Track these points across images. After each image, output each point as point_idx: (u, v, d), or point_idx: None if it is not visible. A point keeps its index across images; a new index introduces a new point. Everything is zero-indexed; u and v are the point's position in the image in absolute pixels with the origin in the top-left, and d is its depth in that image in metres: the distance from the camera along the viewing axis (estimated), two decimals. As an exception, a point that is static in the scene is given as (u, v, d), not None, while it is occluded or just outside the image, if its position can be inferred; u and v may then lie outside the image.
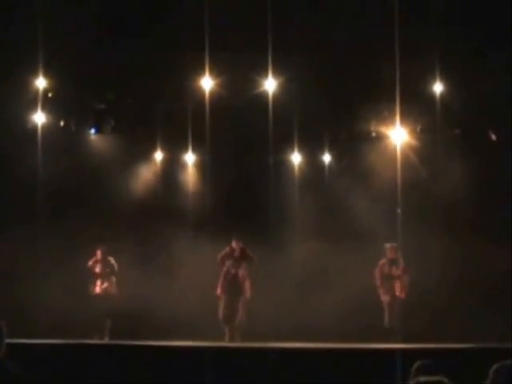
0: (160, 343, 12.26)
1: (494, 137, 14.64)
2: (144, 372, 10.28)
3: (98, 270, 14.75)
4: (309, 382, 9.87)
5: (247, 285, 14.30)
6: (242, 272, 14.34)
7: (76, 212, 14.96)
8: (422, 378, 3.98)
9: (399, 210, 13.85)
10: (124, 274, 14.77)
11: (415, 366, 5.95)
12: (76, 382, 10.20)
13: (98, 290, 14.75)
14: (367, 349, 11.25)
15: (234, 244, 14.41)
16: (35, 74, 14.30)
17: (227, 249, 14.42)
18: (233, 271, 14.34)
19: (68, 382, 10.15)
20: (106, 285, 14.72)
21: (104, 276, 14.75)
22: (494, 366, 5.17)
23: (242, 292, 14.26)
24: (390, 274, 14.36)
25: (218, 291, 14.35)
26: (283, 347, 11.66)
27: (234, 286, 14.27)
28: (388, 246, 14.40)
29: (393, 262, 14.39)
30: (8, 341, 5.28)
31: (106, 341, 14.09)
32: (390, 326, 14.12)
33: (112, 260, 14.77)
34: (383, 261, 14.46)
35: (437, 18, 13.20)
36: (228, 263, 14.40)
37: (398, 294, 14.25)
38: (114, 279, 14.79)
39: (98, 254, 14.78)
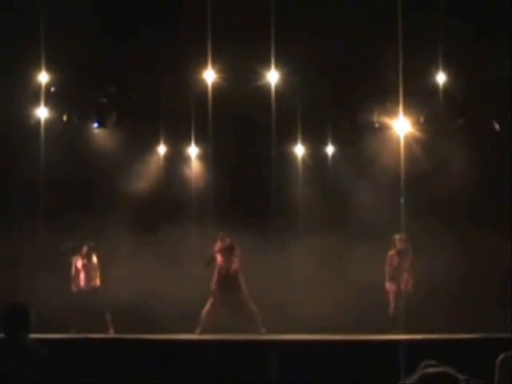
0: (162, 337, 12.26)
1: (497, 126, 14.61)
2: (147, 366, 10.28)
3: (79, 265, 14.76)
4: (313, 373, 9.88)
5: (241, 278, 14.22)
6: (234, 267, 14.26)
7: (79, 206, 15.00)
8: (429, 369, 3.99)
9: (402, 200, 13.82)
10: (122, 269, 14.74)
11: (421, 365, 5.93)
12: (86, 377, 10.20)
13: (79, 285, 14.73)
14: (372, 340, 11.25)
15: (219, 243, 14.37)
16: (37, 69, 14.29)
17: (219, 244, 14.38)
18: (226, 267, 14.24)
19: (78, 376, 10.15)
20: (90, 280, 14.73)
21: (87, 271, 14.75)
22: (500, 357, 5.18)
23: (240, 287, 14.17)
24: (399, 265, 14.32)
25: (213, 287, 14.25)
26: (288, 339, 11.67)
27: (228, 283, 14.18)
28: (397, 236, 14.33)
29: (402, 253, 14.36)
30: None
31: (111, 334, 14.11)
32: (394, 316, 14.11)
33: (94, 257, 14.80)
34: (393, 251, 14.42)
35: (439, 7, 13.17)
36: (220, 259, 14.32)
37: (403, 286, 14.23)
38: (97, 274, 14.80)
39: (84, 249, 14.80)
